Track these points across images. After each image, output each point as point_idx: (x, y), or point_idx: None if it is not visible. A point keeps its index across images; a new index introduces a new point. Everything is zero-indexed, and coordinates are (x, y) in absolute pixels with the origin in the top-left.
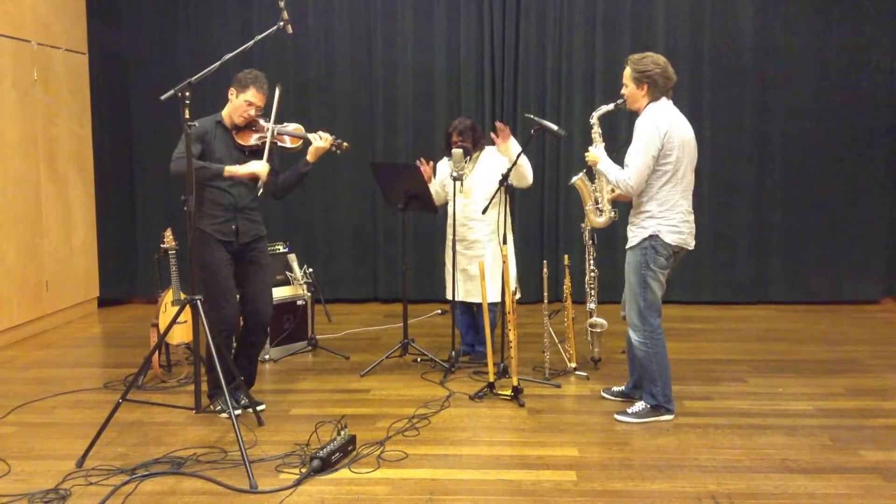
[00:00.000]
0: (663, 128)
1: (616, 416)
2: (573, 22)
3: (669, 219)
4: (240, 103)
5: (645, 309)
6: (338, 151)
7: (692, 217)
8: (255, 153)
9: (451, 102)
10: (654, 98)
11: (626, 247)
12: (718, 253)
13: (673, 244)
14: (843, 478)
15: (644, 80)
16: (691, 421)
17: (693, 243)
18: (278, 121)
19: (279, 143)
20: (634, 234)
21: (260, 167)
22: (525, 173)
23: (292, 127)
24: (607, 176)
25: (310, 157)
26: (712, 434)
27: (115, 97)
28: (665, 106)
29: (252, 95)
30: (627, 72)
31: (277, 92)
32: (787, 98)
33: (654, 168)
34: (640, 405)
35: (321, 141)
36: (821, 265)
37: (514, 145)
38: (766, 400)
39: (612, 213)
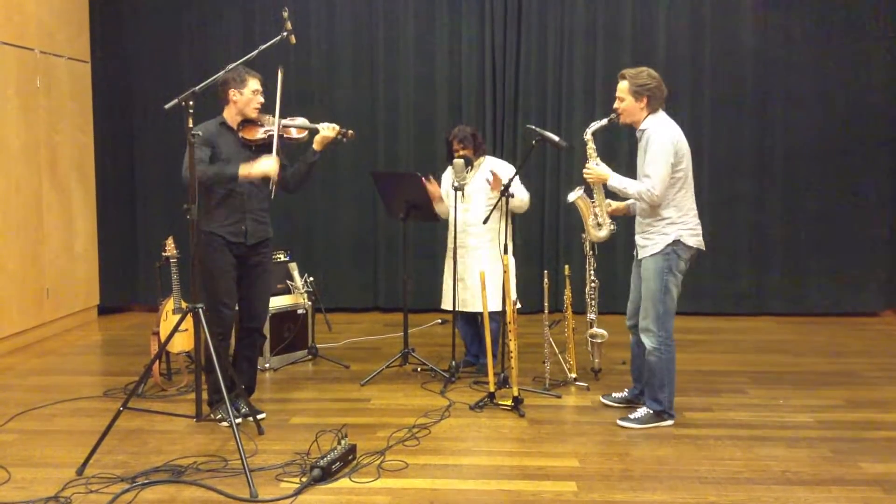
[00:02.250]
0: (675, 137)
1: (618, 422)
2: (574, 33)
3: (687, 223)
4: (248, 96)
5: (663, 314)
6: (344, 140)
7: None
8: (261, 148)
9: (452, 112)
10: (652, 110)
11: (643, 255)
12: (719, 264)
13: (693, 247)
14: (843, 490)
15: (644, 94)
16: (692, 432)
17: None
18: (283, 104)
19: (285, 136)
20: (655, 242)
21: (270, 165)
22: (520, 203)
23: (299, 120)
24: (626, 191)
25: (316, 147)
26: (713, 445)
27: (117, 105)
28: (665, 117)
29: (255, 83)
30: (625, 86)
31: (280, 76)
32: (787, 110)
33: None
34: (642, 411)
35: (328, 130)
36: (821, 277)
37: (505, 179)
38: (766, 411)
39: (612, 225)
